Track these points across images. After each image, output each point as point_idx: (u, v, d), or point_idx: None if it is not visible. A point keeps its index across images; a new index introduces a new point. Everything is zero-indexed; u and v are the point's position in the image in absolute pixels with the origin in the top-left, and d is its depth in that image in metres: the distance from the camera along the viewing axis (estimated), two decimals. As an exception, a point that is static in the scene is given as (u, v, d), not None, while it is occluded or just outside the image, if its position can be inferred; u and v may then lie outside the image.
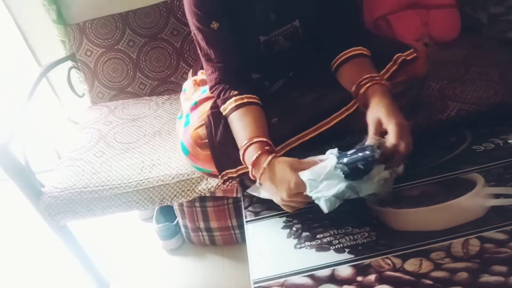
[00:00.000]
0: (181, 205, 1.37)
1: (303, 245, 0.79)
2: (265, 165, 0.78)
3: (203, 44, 0.92)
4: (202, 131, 0.94)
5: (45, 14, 1.43)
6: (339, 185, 0.72)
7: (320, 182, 0.72)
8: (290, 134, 0.91)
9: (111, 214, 1.13)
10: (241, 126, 0.86)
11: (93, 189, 1.10)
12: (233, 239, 1.43)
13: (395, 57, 0.91)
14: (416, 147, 0.77)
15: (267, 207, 0.90)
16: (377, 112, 0.78)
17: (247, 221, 0.88)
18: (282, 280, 0.73)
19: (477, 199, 0.80)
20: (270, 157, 0.79)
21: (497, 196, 0.79)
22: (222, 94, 0.91)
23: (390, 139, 0.74)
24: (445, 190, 0.83)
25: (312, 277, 0.72)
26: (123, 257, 1.53)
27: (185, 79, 1.30)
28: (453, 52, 1.31)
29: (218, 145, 0.91)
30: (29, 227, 1.70)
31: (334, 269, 0.72)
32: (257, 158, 0.80)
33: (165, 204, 1.12)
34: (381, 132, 0.78)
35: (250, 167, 0.82)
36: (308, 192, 0.73)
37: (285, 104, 0.96)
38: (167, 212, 1.53)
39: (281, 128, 0.91)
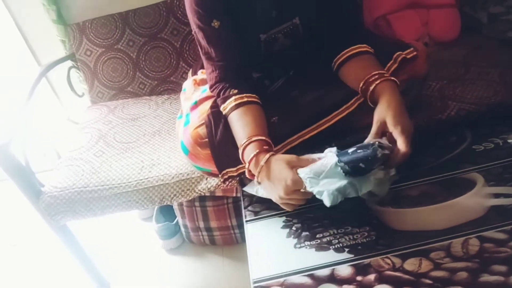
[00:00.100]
0: (180, 204, 1.37)
1: (302, 244, 0.79)
2: (262, 163, 0.79)
3: (203, 42, 0.92)
4: (202, 130, 0.94)
5: (45, 14, 1.43)
6: (340, 182, 0.72)
7: (321, 180, 0.72)
8: (290, 133, 0.91)
9: (111, 213, 1.13)
10: (241, 125, 0.86)
11: (93, 188, 1.10)
12: (232, 238, 1.43)
13: (395, 56, 0.91)
14: (416, 147, 0.77)
15: (266, 206, 0.90)
16: (385, 114, 0.78)
17: (246, 221, 0.88)
18: (281, 279, 0.73)
19: (477, 199, 0.80)
20: (267, 155, 0.79)
21: (496, 195, 0.79)
22: (222, 93, 0.91)
23: (401, 147, 0.74)
24: (445, 189, 0.83)
25: (311, 276, 0.72)
26: (123, 257, 1.53)
27: (185, 78, 1.30)
28: (453, 52, 1.31)
29: (218, 144, 0.91)
30: (29, 227, 1.70)
31: (333, 269, 0.72)
32: (255, 156, 0.80)
33: (164, 203, 1.12)
34: (383, 131, 0.79)
35: (247, 166, 0.82)
36: (309, 188, 0.73)
37: (285, 103, 0.96)
38: (166, 212, 1.53)
39: (281, 127, 0.91)
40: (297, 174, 0.74)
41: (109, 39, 1.45)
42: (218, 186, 1.07)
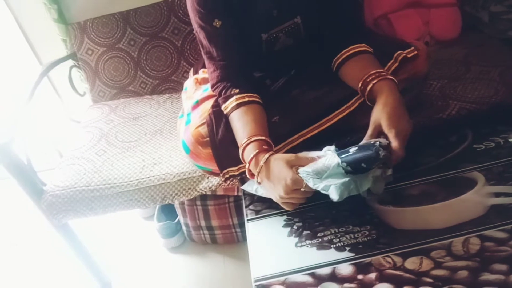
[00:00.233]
0: (182, 203, 1.37)
1: (304, 243, 0.79)
2: (261, 163, 0.79)
3: (205, 42, 0.92)
4: (204, 129, 0.94)
5: (46, 13, 1.43)
6: (343, 179, 0.72)
7: (323, 179, 0.72)
8: (291, 132, 0.91)
9: (113, 212, 1.13)
10: (241, 124, 0.87)
11: (95, 187, 1.10)
12: (234, 237, 1.43)
13: (395, 55, 0.91)
14: (417, 146, 0.77)
15: (268, 205, 0.90)
16: (380, 116, 0.79)
17: (248, 220, 0.88)
18: (283, 278, 0.73)
19: (478, 198, 0.80)
20: (267, 155, 0.79)
21: (497, 194, 0.79)
22: (223, 93, 0.92)
23: (395, 149, 0.75)
24: (445, 188, 0.84)
25: (312, 275, 0.72)
26: (124, 256, 1.53)
27: (186, 77, 1.30)
28: (454, 51, 1.31)
29: (220, 143, 0.92)
30: (31, 226, 1.71)
31: (334, 267, 0.73)
32: (255, 156, 0.80)
33: (166, 202, 1.12)
34: (379, 132, 0.79)
35: (247, 166, 0.82)
36: (312, 186, 0.73)
37: (286, 102, 0.97)
38: (168, 211, 1.54)
39: (282, 126, 0.92)
40: (297, 173, 0.75)
41: (110, 38, 1.46)
42: (219, 185, 1.07)
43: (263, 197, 0.88)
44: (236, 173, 0.92)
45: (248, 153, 0.82)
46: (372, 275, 0.69)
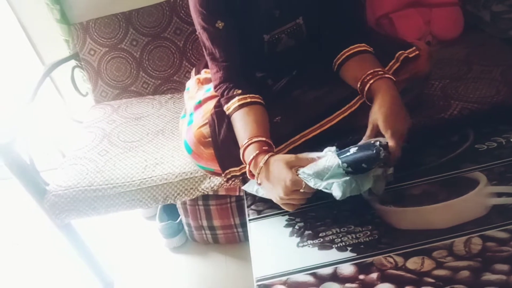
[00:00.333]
0: (184, 203, 1.37)
1: (305, 243, 0.79)
2: (261, 164, 0.79)
3: (208, 43, 0.92)
4: (206, 129, 0.95)
5: (49, 14, 1.44)
6: (344, 178, 0.72)
7: (324, 181, 0.73)
8: (293, 133, 0.91)
9: (115, 212, 1.14)
10: (242, 125, 0.87)
11: (97, 187, 1.11)
12: (235, 237, 1.44)
13: (397, 55, 0.91)
14: (418, 146, 0.77)
15: (269, 205, 0.90)
16: (376, 116, 0.79)
17: (249, 220, 0.88)
18: (284, 278, 0.73)
19: (479, 198, 0.80)
20: (266, 156, 0.79)
21: (499, 194, 0.79)
22: (226, 93, 0.92)
23: (391, 150, 0.76)
24: (447, 188, 0.84)
25: (314, 275, 0.72)
26: (127, 255, 1.54)
27: (188, 78, 1.30)
28: (455, 51, 1.31)
29: (222, 143, 0.92)
30: (33, 226, 1.71)
31: (336, 267, 0.73)
32: (255, 158, 0.81)
33: (168, 202, 1.12)
34: (378, 132, 0.80)
35: (247, 167, 0.83)
36: (313, 185, 0.73)
37: (288, 102, 0.97)
38: (170, 211, 1.54)
39: (284, 127, 0.92)
40: (297, 174, 0.75)
41: (113, 39, 1.46)
42: (221, 185, 1.07)
43: (265, 198, 0.88)
44: (238, 174, 0.92)
45: (248, 154, 0.82)
46: (374, 275, 0.70)
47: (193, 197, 1.11)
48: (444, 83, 1.15)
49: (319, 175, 0.73)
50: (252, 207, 0.91)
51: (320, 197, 0.85)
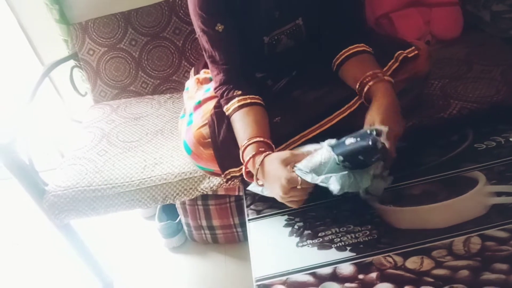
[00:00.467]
0: (183, 203, 1.37)
1: (305, 243, 0.79)
2: (257, 165, 0.79)
3: (207, 46, 0.92)
4: (205, 130, 0.95)
5: (48, 14, 1.44)
6: (342, 172, 0.71)
7: (320, 176, 0.71)
8: (293, 133, 0.91)
9: (114, 212, 1.14)
10: (242, 126, 0.87)
11: (96, 187, 1.10)
12: (235, 237, 1.44)
13: (396, 55, 0.91)
14: (418, 146, 0.77)
15: (269, 205, 0.90)
16: (374, 118, 0.78)
17: (249, 220, 0.88)
18: (284, 278, 0.73)
19: (479, 197, 0.80)
20: (262, 157, 0.79)
21: (498, 194, 0.79)
22: (225, 94, 0.92)
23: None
24: (446, 188, 0.84)
25: (314, 275, 0.72)
26: (126, 255, 1.53)
27: (187, 77, 1.30)
28: (455, 50, 1.31)
29: (221, 144, 0.92)
30: (33, 226, 1.71)
31: (335, 267, 0.73)
32: (251, 159, 0.81)
33: (167, 202, 1.12)
34: None
35: (244, 169, 0.83)
36: (310, 180, 0.71)
37: (288, 103, 0.97)
38: (169, 211, 1.54)
39: (284, 127, 0.92)
40: (293, 171, 0.73)
41: (112, 39, 1.46)
42: (221, 185, 1.07)
43: (264, 197, 0.88)
44: (237, 174, 0.92)
45: (246, 155, 0.82)
46: (373, 275, 0.70)
47: (192, 197, 1.11)
48: (443, 82, 1.15)
49: (316, 172, 0.72)
50: (252, 207, 0.91)
51: (319, 197, 0.85)
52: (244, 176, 0.85)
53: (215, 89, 0.96)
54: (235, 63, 0.93)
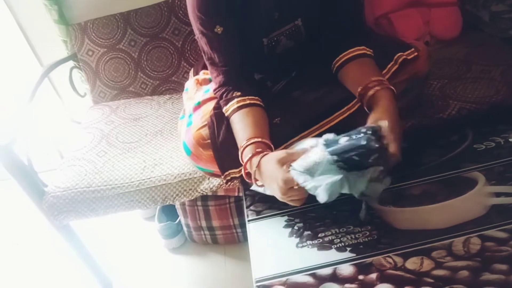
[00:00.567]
0: (183, 204, 1.37)
1: (304, 244, 0.79)
2: (254, 167, 0.79)
3: (206, 48, 0.92)
4: (205, 131, 0.94)
5: (47, 14, 1.43)
6: (335, 177, 0.69)
7: (314, 177, 0.70)
8: (292, 134, 0.91)
9: (114, 213, 1.14)
10: (241, 126, 0.87)
11: (96, 188, 1.10)
12: (235, 238, 1.44)
13: (396, 57, 0.91)
14: (417, 146, 0.77)
15: (268, 206, 0.90)
16: (382, 116, 0.77)
17: (249, 220, 0.88)
18: (284, 279, 0.73)
19: (478, 198, 0.80)
20: (259, 157, 0.79)
21: (498, 194, 0.79)
22: (224, 95, 0.92)
23: (393, 152, 0.72)
24: (446, 188, 0.84)
25: (313, 275, 0.72)
26: (125, 256, 1.53)
27: (187, 78, 1.30)
28: (454, 50, 1.31)
29: (221, 145, 0.92)
30: (32, 226, 1.71)
31: (335, 268, 0.73)
32: (249, 160, 0.81)
33: (167, 203, 1.12)
34: None
35: (243, 170, 0.82)
36: (302, 184, 0.71)
37: (287, 103, 0.97)
38: (169, 211, 1.54)
39: (283, 128, 0.92)
40: (289, 171, 0.73)
41: (111, 39, 1.46)
42: (220, 186, 1.07)
43: (264, 198, 0.88)
44: (237, 175, 0.92)
45: (245, 155, 0.82)
46: (373, 276, 0.70)
47: (192, 198, 1.11)
48: (443, 83, 1.15)
49: (310, 172, 0.70)
50: (251, 207, 0.91)
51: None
52: (244, 177, 0.85)
53: (214, 90, 0.96)
54: (235, 65, 0.93)
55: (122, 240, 1.61)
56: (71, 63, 1.53)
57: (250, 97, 0.90)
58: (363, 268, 0.71)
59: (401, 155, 0.75)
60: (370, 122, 0.79)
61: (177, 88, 1.52)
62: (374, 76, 0.84)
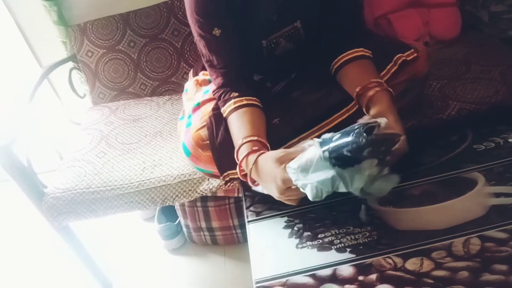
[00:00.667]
0: (182, 205, 1.37)
1: (304, 244, 0.79)
2: (250, 165, 0.78)
3: (205, 51, 0.92)
4: (204, 132, 0.94)
5: (46, 15, 1.43)
6: (326, 174, 0.68)
7: (309, 174, 0.69)
8: (292, 135, 0.91)
9: (113, 214, 1.14)
10: (238, 126, 0.87)
11: (95, 189, 1.10)
12: (234, 238, 1.44)
13: (395, 58, 0.91)
14: (417, 147, 0.76)
15: (268, 207, 0.90)
16: (386, 111, 0.77)
17: (248, 221, 0.88)
18: (284, 279, 0.73)
19: (478, 198, 0.80)
20: (255, 156, 0.78)
21: (497, 195, 0.79)
22: (223, 96, 0.92)
23: (403, 142, 0.71)
24: (446, 189, 0.84)
25: (313, 276, 0.72)
26: (125, 257, 1.53)
27: (186, 79, 1.30)
28: (454, 51, 1.31)
29: (220, 146, 0.92)
30: (32, 227, 1.71)
31: (335, 269, 0.73)
32: (245, 158, 0.80)
33: (166, 204, 1.12)
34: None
35: (238, 169, 0.82)
36: (294, 182, 0.71)
37: (287, 104, 0.97)
38: (168, 212, 1.54)
39: (282, 129, 0.91)
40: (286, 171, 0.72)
41: (110, 40, 1.46)
42: (220, 187, 1.07)
43: (263, 199, 0.88)
44: (236, 176, 0.92)
45: (241, 154, 0.82)
46: (373, 276, 0.70)
47: (192, 199, 1.11)
48: (442, 83, 1.15)
49: (304, 169, 0.70)
50: (251, 208, 0.91)
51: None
52: (239, 176, 0.84)
53: (213, 91, 0.96)
54: (233, 67, 0.93)
55: (121, 241, 1.61)
56: (70, 64, 1.53)
57: (247, 97, 0.90)
58: (363, 269, 0.71)
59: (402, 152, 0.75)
60: (373, 111, 0.78)
61: (176, 89, 1.52)
62: (373, 77, 0.84)
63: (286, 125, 0.92)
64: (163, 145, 1.22)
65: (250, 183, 0.82)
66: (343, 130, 0.70)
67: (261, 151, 0.79)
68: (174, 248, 1.51)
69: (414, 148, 0.75)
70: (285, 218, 0.86)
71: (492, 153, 0.90)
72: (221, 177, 0.94)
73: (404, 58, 0.91)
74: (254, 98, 0.91)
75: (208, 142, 0.93)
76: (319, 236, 0.80)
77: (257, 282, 0.74)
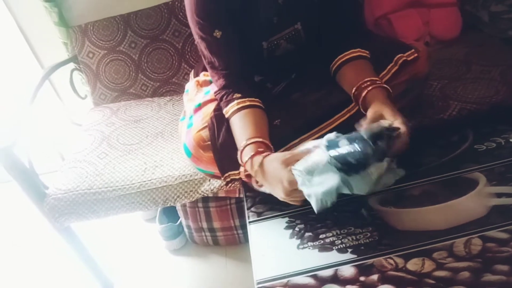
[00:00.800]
0: (184, 205, 1.37)
1: (306, 245, 0.79)
2: (256, 167, 0.79)
3: (206, 52, 0.93)
4: (205, 133, 0.94)
5: (47, 17, 1.44)
6: (332, 182, 0.70)
7: (313, 177, 0.70)
8: (292, 135, 0.91)
9: (115, 215, 1.14)
10: (240, 127, 0.87)
11: (97, 190, 1.10)
12: (236, 239, 1.44)
13: (396, 58, 0.91)
14: (417, 147, 0.76)
15: (269, 207, 0.90)
16: (382, 108, 0.77)
17: (250, 222, 0.88)
18: (285, 280, 0.73)
19: (479, 199, 0.80)
20: (261, 157, 0.79)
21: (499, 195, 0.79)
22: (225, 97, 0.92)
23: (404, 134, 0.72)
24: (447, 189, 0.84)
25: (315, 277, 0.72)
26: (127, 258, 1.53)
27: (187, 80, 1.30)
28: (454, 51, 1.31)
29: (221, 147, 0.92)
30: (33, 228, 1.71)
31: (337, 269, 0.73)
32: (249, 159, 0.80)
33: (168, 205, 1.12)
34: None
35: (243, 170, 0.82)
36: (299, 187, 0.71)
37: (288, 105, 0.97)
38: (170, 213, 1.54)
39: (283, 130, 0.92)
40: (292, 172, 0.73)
41: (111, 41, 1.46)
42: (221, 187, 1.07)
43: (264, 199, 0.88)
44: (237, 177, 0.92)
45: (245, 155, 0.82)
46: (374, 277, 0.70)
47: (193, 200, 1.11)
48: (443, 83, 1.15)
49: (311, 173, 0.71)
50: (252, 209, 0.91)
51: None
52: (243, 177, 0.84)
53: (215, 93, 0.96)
54: (235, 68, 0.93)
55: (123, 241, 1.61)
56: (71, 65, 1.53)
57: (250, 98, 0.90)
58: (364, 269, 0.71)
59: (401, 155, 0.75)
60: (368, 117, 0.78)
61: (177, 89, 1.52)
62: (368, 77, 0.84)
63: (287, 126, 0.92)
64: (164, 146, 1.22)
65: (254, 184, 0.82)
66: (349, 135, 0.71)
67: (266, 153, 0.80)
68: (176, 249, 1.51)
69: (415, 148, 0.75)
70: (286, 219, 0.86)
71: (493, 153, 0.90)
72: (222, 178, 0.94)
73: (404, 58, 0.91)
74: (257, 99, 0.91)
75: (209, 143, 0.93)
76: (320, 236, 0.80)
77: (258, 283, 0.74)
